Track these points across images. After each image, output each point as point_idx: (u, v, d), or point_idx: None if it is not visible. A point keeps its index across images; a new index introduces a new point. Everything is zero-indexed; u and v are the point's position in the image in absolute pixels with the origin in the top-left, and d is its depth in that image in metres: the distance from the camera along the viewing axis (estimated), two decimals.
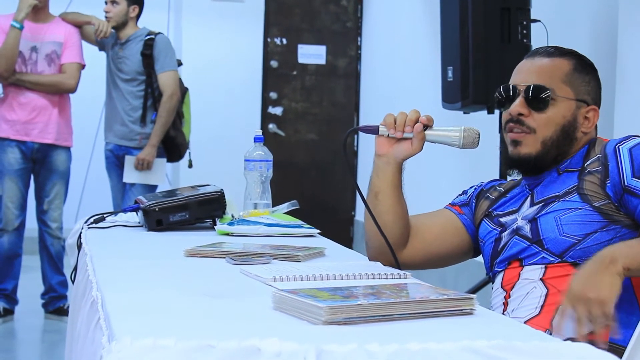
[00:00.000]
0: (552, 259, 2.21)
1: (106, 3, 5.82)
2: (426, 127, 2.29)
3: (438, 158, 6.14)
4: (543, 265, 2.22)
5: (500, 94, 2.36)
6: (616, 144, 2.22)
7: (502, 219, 2.38)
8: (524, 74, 2.34)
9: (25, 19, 5.48)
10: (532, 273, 2.24)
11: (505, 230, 2.34)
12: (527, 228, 2.28)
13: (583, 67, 2.35)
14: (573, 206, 2.21)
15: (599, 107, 2.37)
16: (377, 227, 2.32)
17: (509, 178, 2.54)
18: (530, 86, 2.30)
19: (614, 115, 4.02)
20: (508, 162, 2.37)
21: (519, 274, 2.26)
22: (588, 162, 2.26)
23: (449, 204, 2.56)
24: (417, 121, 2.29)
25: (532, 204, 2.31)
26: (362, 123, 8.28)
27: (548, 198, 2.28)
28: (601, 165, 2.22)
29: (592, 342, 1.44)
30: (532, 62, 2.36)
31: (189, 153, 6.15)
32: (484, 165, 4.96)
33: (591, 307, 1.98)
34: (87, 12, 5.89)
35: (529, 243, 2.26)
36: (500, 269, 2.33)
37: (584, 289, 1.99)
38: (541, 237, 2.23)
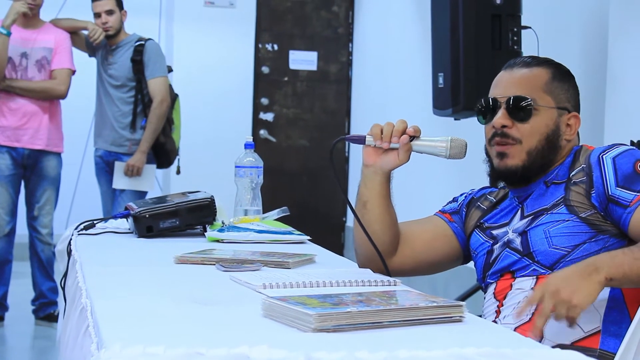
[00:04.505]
0: (543, 270, 2.21)
1: (99, 15, 5.80)
2: (413, 137, 2.29)
3: (429, 165, 6.15)
4: (535, 277, 2.22)
5: (481, 107, 2.37)
6: (600, 154, 2.23)
7: (494, 232, 2.38)
8: (504, 85, 2.35)
9: (12, 25, 5.47)
10: (524, 283, 2.24)
11: (497, 243, 2.35)
12: (517, 241, 2.28)
13: (561, 75, 2.36)
14: (561, 218, 2.22)
15: (579, 113, 2.37)
16: (367, 236, 2.31)
17: (499, 186, 2.54)
18: (511, 98, 2.30)
19: (604, 121, 4.03)
20: (494, 174, 2.37)
21: (511, 285, 2.27)
22: (573, 173, 2.26)
23: (439, 211, 2.56)
24: (403, 132, 2.28)
25: (522, 217, 2.32)
26: (353, 129, 8.29)
27: (537, 211, 2.28)
28: (586, 176, 2.23)
29: (579, 349, 1.44)
30: (511, 73, 2.36)
31: (178, 159, 6.15)
32: (475, 173, 4.96)
33: (559, 306, 1.97)
34: (77, 18, 5.89)
35: (519, 256, 2.26)
36: (492, 280, 2.33)
37: (559, 288, 1.98)
38: (531, 250, 2.24)
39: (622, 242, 2.18)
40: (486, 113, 2.35)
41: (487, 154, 2.39)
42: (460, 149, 2.29)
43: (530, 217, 2.29)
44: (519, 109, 2.29)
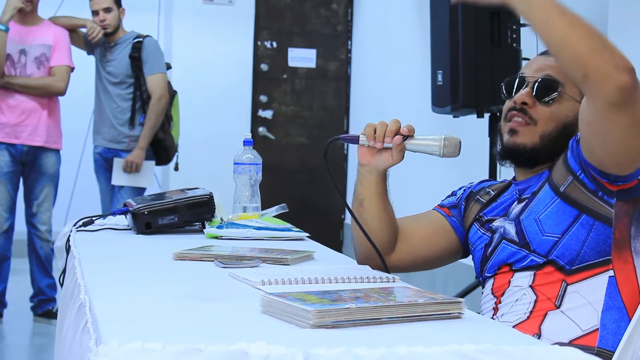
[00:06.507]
0: (539, 260, 2.21)
1: (97, 13, 5.80)
2: (406, 137, 2.28)
3: (427, 160, 6.14)
4: (532, 272, 2.22)
5: (507, 83, 2.35)
6: None
7: (493, 225, 2.37)
8: (536, 67, 2.33)
9: (10, 21, 5.47)
10: (521, 280, 2.24)
11: (495, 236, 2.34)
12: (512, 232, 2.27)
13: None
14: (546, 201, 2.21)
15: None
16: (364, 234, 2.31)
17: (498, 179, 2.54)
18: (541, 78, 2.29)
19: None
20: (501, 152, 2.35)
21: (509, 281, 2.26)
22: None
23: (438, 205, 2.56)
24: (397, 132, 2.27)
25: (518, 204, 2.32)
26: (352, 127, 8.29)
27: (530, 195, 2.28)
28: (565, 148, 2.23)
29: (577, 348, 1.44)
30: (547, 58, 2.34)
31: (177, 156, 6.15)
32: (473, 168, 4.96)
33: None
34: (76, 16, 5.89)
35: (517, 247, 2.26)
36: (490, 274, 2.33)
37: None
38: (527, 240, 2.23)
39: (607, 227, 2.16)
40: (511, 89, 2.34)
41: (499, 131, 2.37)
42: (454, 148, 2.27)
43: (523, 202, 2.28)
44: (545, 91, 2.28)
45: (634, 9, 3.89)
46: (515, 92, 2.33)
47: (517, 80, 2.34)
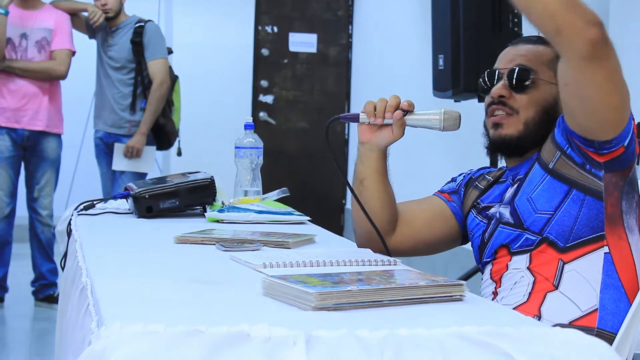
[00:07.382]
0: (533, 238, 2.21)
1: None
2: (406, 112, 2.29)
3: (428, 145, 6.15)
4: (528, 253, 2.22)
5: (483, 80, 2.37)
6: None
7: (489, 212, 2.38)
8: (508, 58, 2.36)
9: (9, 4, 5.45)
10: (519, 263, 2.24)
11: (492, 222, 2.35)
12: (507, 214, 2.28)
13: None
14: (537, 179, 2.23)
15: None
16: (365, 213, 2.32)
17: (499, 166, 2.54)
18: (513, 69, 2.31)
19: None
20: (490, 146, 2.37)
21: (507, 265, 2.27)
22: None
23: (438, 191, 2.56)
24: (397, 107, 2.29)
25: (512, 187, 2.33)
26: (352, 112, 8.28)
27: (522, 177, 2.29)
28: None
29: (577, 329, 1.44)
30: (516, 48, 2.38)
31: (179, 141, 6.15)
32: (474, 153, 4.95)
33: None
34: (76, 0, 5.88)
35: (512, 228, 2.26)
36: (488, 259, 2.34)
37: None
38: (522, 220, 2.24)
39: (597, 202, 2.16)
40: (488, 85, 2.35)
41: (485, 127, 2.39)
42: (454, 121, 2.29)
43: (516, 185, 2.29)
44: (519, 80, 2.30)
45: (635, 8, 3.88)
46: (492, 86, 2.34)
47: (492, 74, 2.35)
